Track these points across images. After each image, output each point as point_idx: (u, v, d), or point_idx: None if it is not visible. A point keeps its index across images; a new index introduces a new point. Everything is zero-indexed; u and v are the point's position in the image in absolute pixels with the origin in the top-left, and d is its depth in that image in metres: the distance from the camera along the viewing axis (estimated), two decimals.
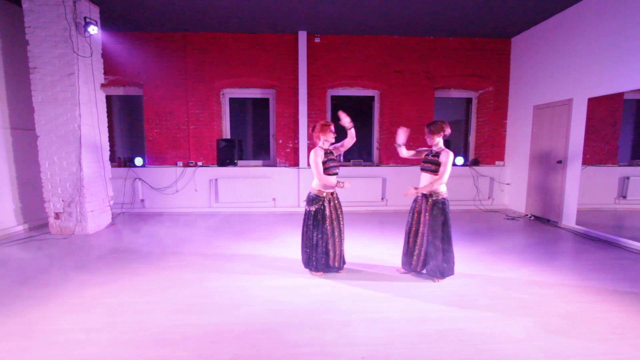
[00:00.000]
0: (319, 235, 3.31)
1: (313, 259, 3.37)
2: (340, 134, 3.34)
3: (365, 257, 3.96)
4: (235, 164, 6.68)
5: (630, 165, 4.77)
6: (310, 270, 3.46)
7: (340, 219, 3.42)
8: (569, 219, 5.37)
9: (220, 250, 4.28)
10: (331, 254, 3.39)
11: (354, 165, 6.81)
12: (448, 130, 3.19)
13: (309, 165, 3.34)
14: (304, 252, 3.45)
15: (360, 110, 7.37)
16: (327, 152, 3.31)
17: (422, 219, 3.26)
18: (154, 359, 2.14)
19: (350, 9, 5.44)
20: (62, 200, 5.02)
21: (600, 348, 2.25)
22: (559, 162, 5.54)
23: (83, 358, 2.15)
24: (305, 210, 3.38)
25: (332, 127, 3.28)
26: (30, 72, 4.85)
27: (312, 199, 3.31)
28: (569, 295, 3.01)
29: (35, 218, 5.47)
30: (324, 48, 6.61)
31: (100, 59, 5.43)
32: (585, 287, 3.17)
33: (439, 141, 3.20)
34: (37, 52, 4.80)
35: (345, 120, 3.25)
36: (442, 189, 3.20)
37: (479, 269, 3.66)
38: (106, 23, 5.81)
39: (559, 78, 5.56)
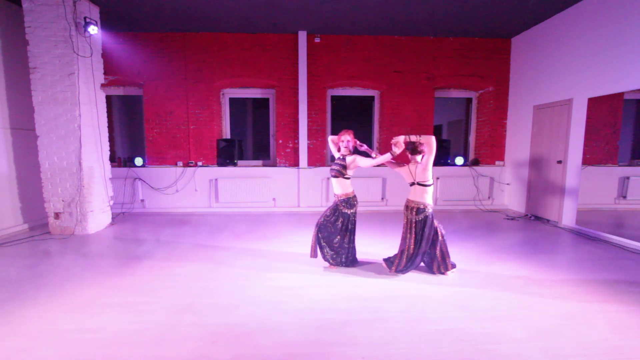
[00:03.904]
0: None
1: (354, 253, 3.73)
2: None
3: (365, 257, 3.95)
4: (235, 164, 6.68)
5: (630, 165, 4.77)
6: (348, 265, 3.70)
7: None
8: (569, 219, 5.37)
9: (220, 250, 4.28)
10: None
11: None
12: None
13: (341, 173, 3.53)
14: (352, 250, 3.66)
15: (360, 110, 7.37)
16: (339, 158, 3.57)
17: None
18: (154, 359, 2.14)
19: (350, 9, 5.43)
20: (62, 200, 5.02)
21: (600, 348, 2.25)
22: (559, 162, 5.54)
23: (83, 358, 2.15)
24: (347, 214, 3.53)
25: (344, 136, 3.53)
26: (30, 72, 4.85)
27: (353, 201, 3.55)
28: (569, 295, 3.01)
29: (35, 218, 5.47)
30: (324, 48, 6.61)
31: (100, 59, 5.43)
32: (585, 287, 3.18)
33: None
34: (37, 52, 4.80)
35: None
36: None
37: (479, 268, 3.66)
38: (106, 23, 5.81)
39: (559, 78, 5.56)
